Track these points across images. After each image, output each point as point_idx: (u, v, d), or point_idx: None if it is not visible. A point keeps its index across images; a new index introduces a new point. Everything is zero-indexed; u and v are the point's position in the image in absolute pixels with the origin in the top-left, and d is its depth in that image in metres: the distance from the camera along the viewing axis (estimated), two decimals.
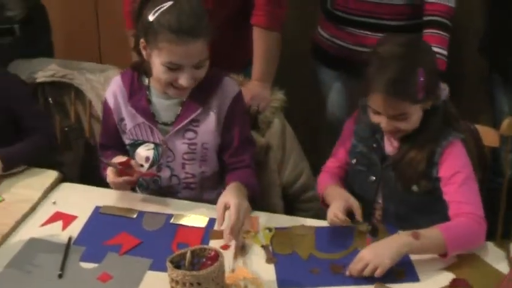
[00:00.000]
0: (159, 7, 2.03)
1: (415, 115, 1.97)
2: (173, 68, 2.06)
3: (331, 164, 2.28)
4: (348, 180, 2.23)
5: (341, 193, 2.10)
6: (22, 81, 2.62)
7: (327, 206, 2.09)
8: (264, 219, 2.11)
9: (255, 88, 2.46)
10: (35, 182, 2.31)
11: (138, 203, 2.19)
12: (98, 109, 2.72)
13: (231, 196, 2.02)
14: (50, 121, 2.70)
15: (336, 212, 2.00)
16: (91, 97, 2.70)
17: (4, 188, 2.29)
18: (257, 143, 2.38)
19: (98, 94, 2.71)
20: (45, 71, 2.79)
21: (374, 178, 2.12)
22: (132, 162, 2.17)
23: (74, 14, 3.73)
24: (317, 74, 2.93)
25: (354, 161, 2.17)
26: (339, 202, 2.03)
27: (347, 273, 1.84)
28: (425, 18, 2.48)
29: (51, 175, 2.34)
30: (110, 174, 2.17)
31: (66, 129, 2.85)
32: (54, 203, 2.20)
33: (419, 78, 1.91)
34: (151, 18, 2.03)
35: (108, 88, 2.31)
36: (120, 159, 2.18)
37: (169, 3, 2.03)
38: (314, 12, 2.94)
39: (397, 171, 2.06)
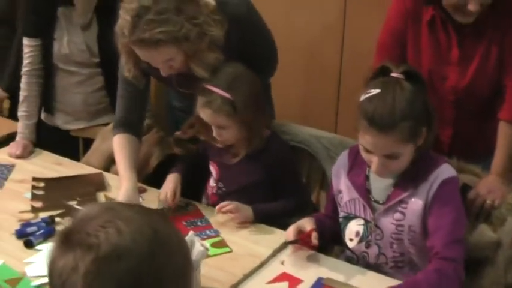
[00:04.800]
0: (368, 91, 2.09)
1: None
2: (366, 150, 2.12)
3: None
4: None
5: None
6: (287, 143, 2.77)
7: None
8: None
9: (493, 182, 2.41)
10: (265, 240, 2.41)
11: (362, 279, 2.20)
12: None
13: None
14: (303, 187, 2.81)
15: None
16: (325, 166, 2.76)
17: (235, 239, 2.42)
18: (487, 237, 2.33)
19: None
20: (283, 134, 2.88)
21: None
22: (313, 234, 2.25)
23: (314, 83, 3.86)
24: None
25: None
26: None
27: None
28: None
29: (282, 235, 2.41)
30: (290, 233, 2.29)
31: None
32: (282, 263, 2.28)
33: None
34: (361, 98, 2.10)
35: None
36: (307, 223, 2.30)
37: (377, 91, 2.07)
38: None
39: None
